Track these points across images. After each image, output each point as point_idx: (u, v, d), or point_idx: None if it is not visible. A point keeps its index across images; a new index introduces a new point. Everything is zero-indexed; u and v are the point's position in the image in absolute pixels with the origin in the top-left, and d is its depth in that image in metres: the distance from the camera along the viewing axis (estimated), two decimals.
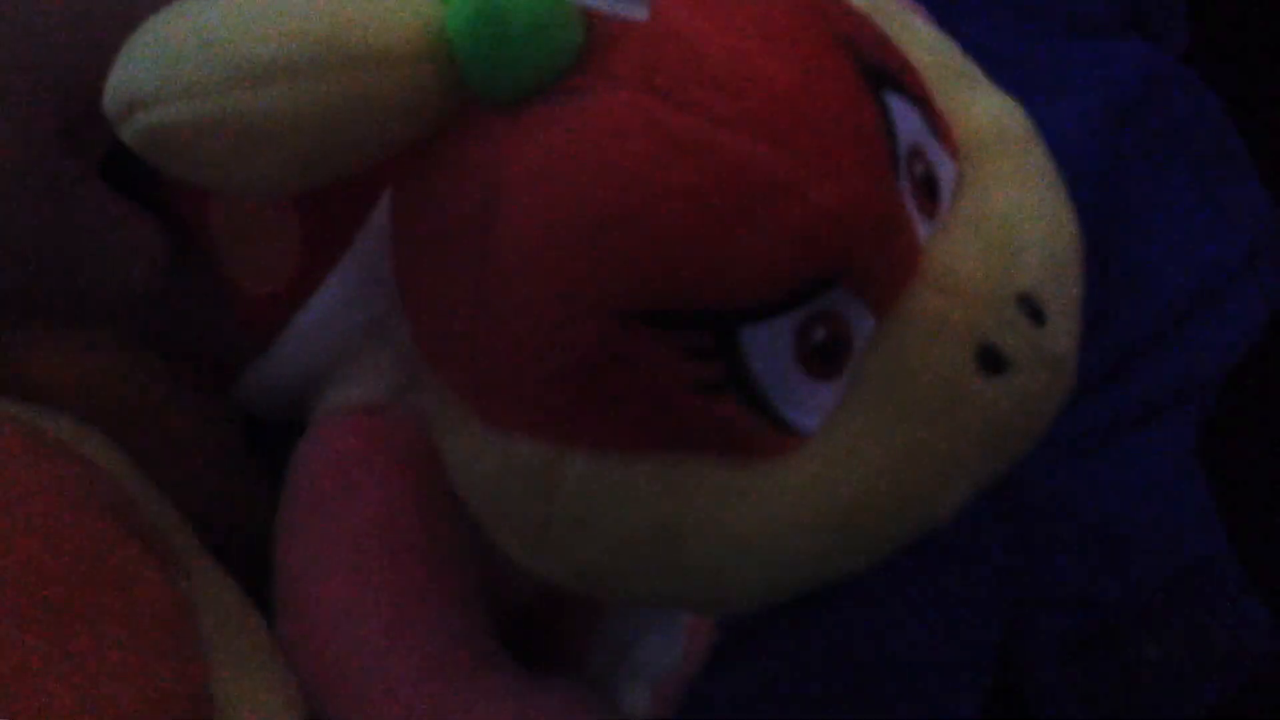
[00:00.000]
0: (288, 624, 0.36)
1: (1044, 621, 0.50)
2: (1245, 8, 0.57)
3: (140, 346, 0.39)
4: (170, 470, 0.38)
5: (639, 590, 0.34)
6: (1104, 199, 0.51)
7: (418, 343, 0.35)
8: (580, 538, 0.33)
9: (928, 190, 0.33)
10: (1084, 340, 0.50)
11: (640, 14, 0.30)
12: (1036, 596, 0.50)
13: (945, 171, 0.33)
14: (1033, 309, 0.32)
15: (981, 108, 0.35)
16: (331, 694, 0.36)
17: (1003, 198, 0.34)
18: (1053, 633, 0.50)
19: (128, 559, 0.32)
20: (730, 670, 0.45)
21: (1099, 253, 0.51)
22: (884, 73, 0.32)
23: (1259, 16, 0.57)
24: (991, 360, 0.31)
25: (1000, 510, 0.49)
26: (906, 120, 0.32)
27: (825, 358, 0.31)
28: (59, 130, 0.34)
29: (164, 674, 0.31)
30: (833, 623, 0.47)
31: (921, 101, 0.33)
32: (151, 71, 0.30)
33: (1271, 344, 0.52)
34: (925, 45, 0.35)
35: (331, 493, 0.37)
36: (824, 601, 0.46)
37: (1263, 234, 0.52)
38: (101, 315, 0.38)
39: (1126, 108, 0.51)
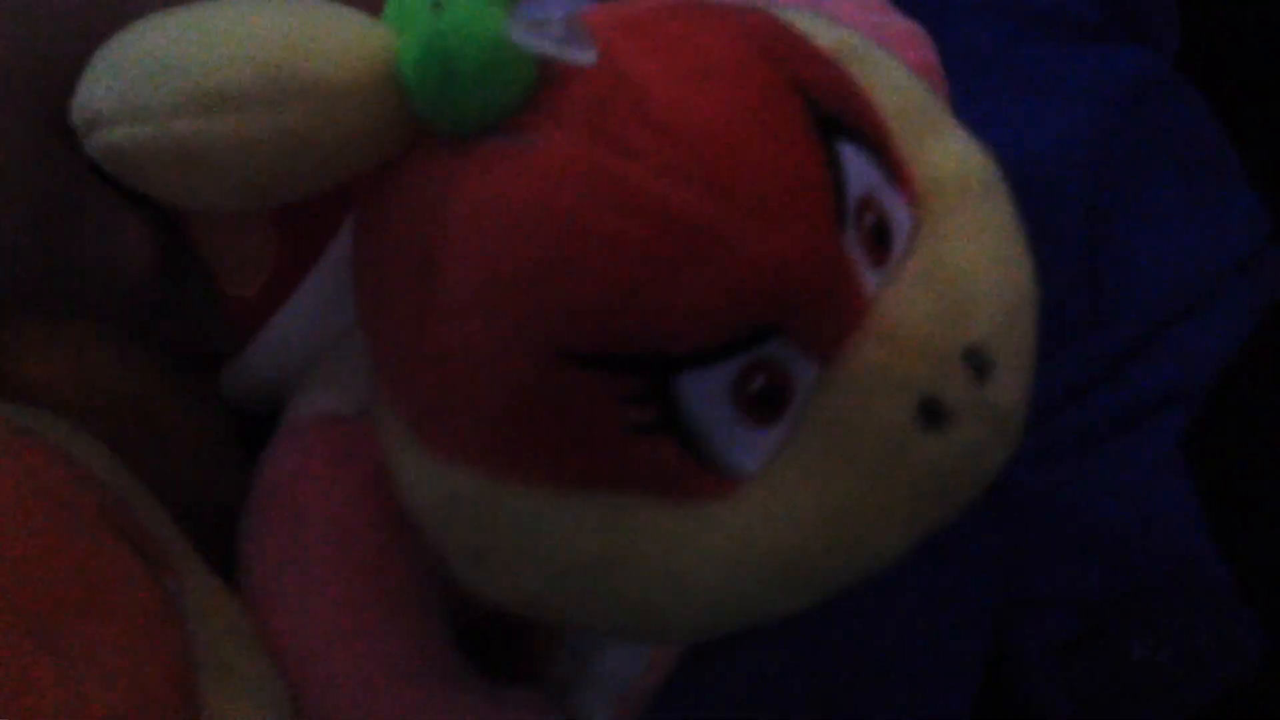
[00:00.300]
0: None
1: (1034, 621, 0.50)
2: (1237, 11, 0.57)
3: (134, 342, 0.40)
4: (161, 467, 0.38)
5: (576, 619, 0.34)
6: (1094, 203, 0.51)
7: (371, 360, 0.35)
8: (516, 567, 0.33)
9: (879, 239, 0.33)
10: (1073, 344, 0.50)
11: (588, 58, 0.30)
12: (1026, 597, 0.50)
13: (900, 220, 0.33)
14: (978, 363, 0.32)
15: (945, 154, 0.35)
16: (301, 696, 0.36)
17: (958, 248, 0.33)
18: (1042, 632, 0.50)
19: (116, 561, 0.33)
20: (720, 669, 0.45)
21: (1088, 257, 0.51)
22: (838, 120, 0.32)
23: (1251, 20, 0.57)
24: (932, 414, 0.31)
25: (991, 511, 0.49)
26: (859, 169, 0.32)
27: (764, 405, 0.31)
28: (53, 127, 0.34)
29: (152, 675, 0.32)
30: (823, 621, 0.47)
31: (878, 149, 0.33)
32: (109, 90, 0.30)
33: (1259, 348, 0.52)
34: (893, 88, 0.35)
35: (294, 501, 0.37)
36: None
37: (1252, 238, 0.52)
38: (96, 310, 0.38)
39: (1117, 112, 0.51)
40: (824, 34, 0.35)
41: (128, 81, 0.30)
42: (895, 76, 0.36)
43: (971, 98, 0.41)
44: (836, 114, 0.32)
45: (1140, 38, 0.54)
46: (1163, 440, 0.51)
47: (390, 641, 0.36)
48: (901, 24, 0.42)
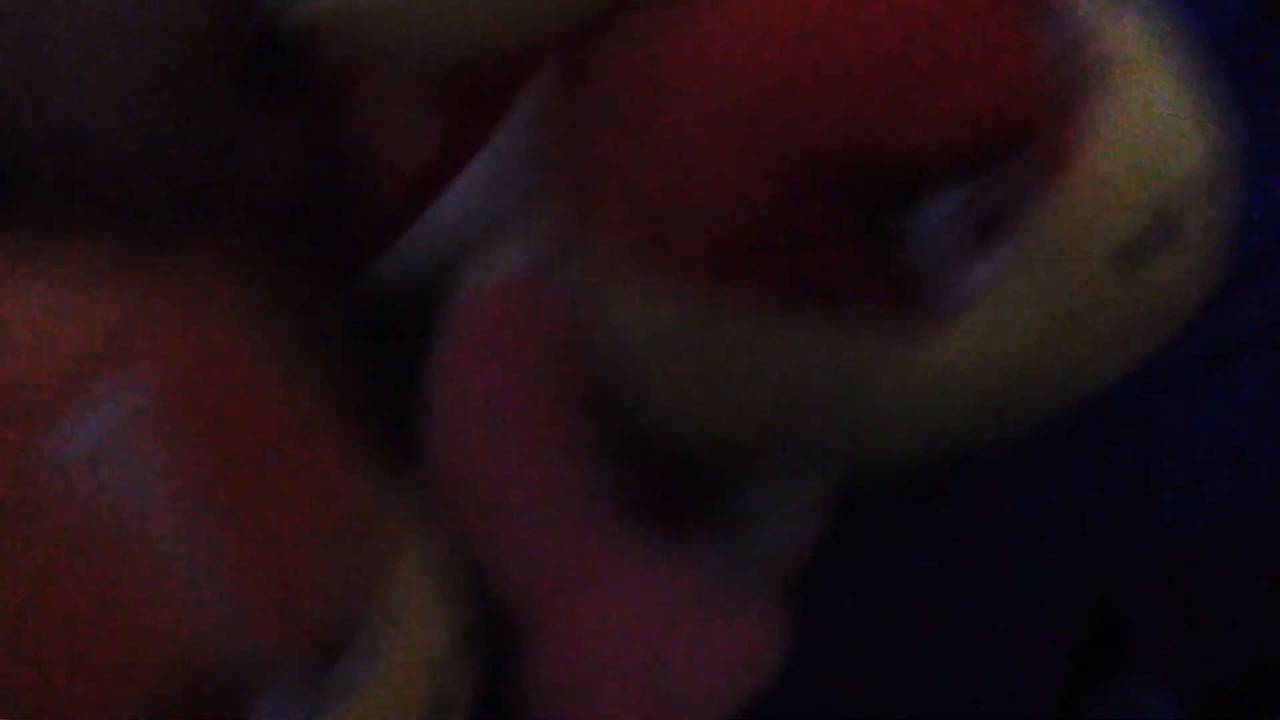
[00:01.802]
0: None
1: (1143, 549, 0.51)
2: None
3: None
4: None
5: (778, 453, 0.34)
6: None
7: (574, 207, 0.35)
8: (726, 398, 0.33)
9: (1086, 81, 0.34)
10: None
11: None
12: (1132, 525, 0.51)
13: (1100, 65, 0.34)
14: (1182, 206, 0.33)
15: (1131, 18, 0.36)
16: (478, 538, 0.36)
17: (1154, 102, 0.35)
18: (1152, 560, 0.51)
19: (314, 406, 0.33)
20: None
21: None
22: None
23: None
24: (1138, 252, 0.33)
25: (1097, 441, 0.50)
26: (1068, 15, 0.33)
27: (985, 234, 0.32)
28: (205, 34, 0.35)
29: (355, 503, 0.33)
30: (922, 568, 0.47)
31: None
32: None
33: None
34: None
35: (479, 359, 0.37)
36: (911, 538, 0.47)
37: None
38: (249, 221, 0.38)
39: (1220, 55, 0.52)
40: None
41: None
42: None
43: None
44: None
45: None
46: (1261, 376, 0.52)
47: (569, 486, 0.36)
48: None
